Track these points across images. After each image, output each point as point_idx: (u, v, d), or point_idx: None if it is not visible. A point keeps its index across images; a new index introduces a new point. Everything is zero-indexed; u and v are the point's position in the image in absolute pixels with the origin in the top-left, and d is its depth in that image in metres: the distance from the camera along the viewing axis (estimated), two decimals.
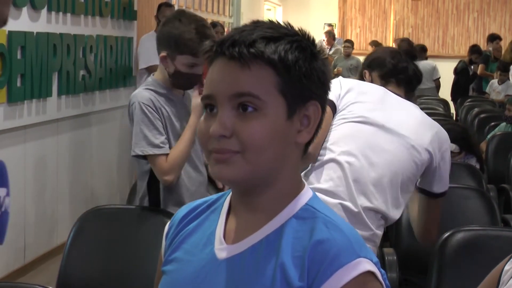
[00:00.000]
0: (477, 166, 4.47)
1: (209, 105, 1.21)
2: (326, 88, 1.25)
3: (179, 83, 2.88)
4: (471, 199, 3.49)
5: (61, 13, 5.20)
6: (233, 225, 1.26)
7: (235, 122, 1.18)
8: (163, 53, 2.88)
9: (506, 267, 1.38)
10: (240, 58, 1.18)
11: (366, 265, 1.16)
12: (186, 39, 2.79)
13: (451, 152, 4.45)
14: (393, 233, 3.44)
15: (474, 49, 11.19)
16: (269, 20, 1.27)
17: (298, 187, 1.26)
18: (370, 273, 1.16)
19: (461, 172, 4.24)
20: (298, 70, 1.20)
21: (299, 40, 1.22)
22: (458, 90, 10.80)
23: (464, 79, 10.88)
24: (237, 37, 1.20)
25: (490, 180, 5.00)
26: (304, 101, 1.22)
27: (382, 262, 3.18)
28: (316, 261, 1.15)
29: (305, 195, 1.25)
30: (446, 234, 2.65)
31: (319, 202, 1.27)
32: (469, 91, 10.90)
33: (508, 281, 1.35)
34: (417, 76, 2.71)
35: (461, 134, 4.55)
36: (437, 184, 2.59)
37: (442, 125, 4.74)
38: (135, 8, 6.70)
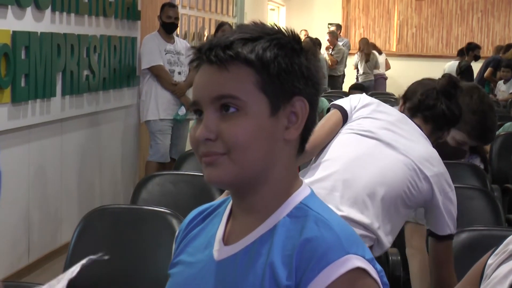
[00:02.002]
0: (481, 166, 4.46)
1: (197, 111, 1.23)
2: (313, 84, 1.24)
3: (441, 150, 2.72)
4: (475, 199, 3.48)
5: (65, 13, 5.20)
6: (232, 227, 1.27)
7: (219, 124, 1.19)
8: None
9: (490, 261, 1.38)
10: (217, 61, 1.19)
11: (355, 261, 1.14)
12: (468, 119, 2.76)
13: None
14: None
15: (472, 46, 11.17)
16: (253, 22, 1.27)
17: (293, 186, 1.25)
18: (361, 269, 1.14)
19: (465, 172, 4.23)
20: (277, 66, 1.19)
21: (279, 38, 1.22)
22: None
23: (468, 79, 10.86)
24: (214, 41, 1.21)
25: (494, 180, 4.99)
26: (288, 97, 1.21)
27: (386, 262, 3.18)
28: (303, 259, 1.15)
29: (301, 194, 1.25)
30: None
31: (315, 200, 1.25)
32: None
33: (491, 274, 1.34)
34: (446, 115, 2.54)
35: None
36: (441, 225, 2.45)
37: None
38: (139, 8, 6.71)
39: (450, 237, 2.47)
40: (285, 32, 1.24)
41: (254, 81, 1.19)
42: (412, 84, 2.70)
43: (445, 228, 2.45)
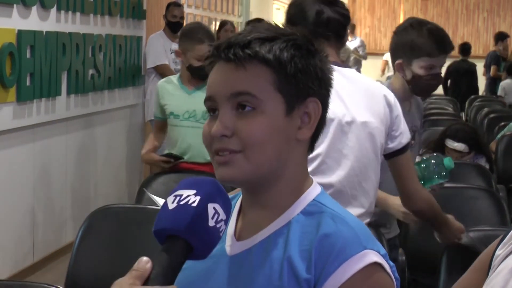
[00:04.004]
0: (487, 166, 4.46)
1: (212, 107, 1.24)
2: (325, 85, 1.27)
3: (419, 87, 2.88)
4: (481, 199, 3.47)
5: (70, 12, 5.21)
6: (243, 223, 1.29)
7: (235, 121, 1.21)
8: (399, 61, 2.88)
9: (498, 252, 1.35)
10: (235, 59, 1.21)
11: (372, 256, 1.17)
12: (420, 42, 2.82)
13: (461, 152, 4.44)
14: (402, 233, 3.42)
15: (466, 47, 11.19)
16: (268, 22, 1.30)
17: (305, 183, 1.28)
18: (377, 264, 1.18)
19: (471, 172, 4.22)
20: (294, 66, 1.22)
21: (295, 39, 1.25)
22: (466, 90, 10.78)
23: (470, 79, 10.87)
24: (232, 40, 1.23)
25: (500, 180, 4.97)
26: (302, 98, 1.24)
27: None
28: (323, 253, 1.17)
29: (313, 191, 1.27)
30: None
31: (327, 197, 1.28)
32: (477, 90, 10.88)
33: (499, 265, 1.32)
34: (338, 21, 2.39)
35: (470, 134, 4.53)
36: (404, 133, 2.43)
37: (451, 125, 4.73)
38: (144, 7, 6.71)
39: (409, 145, 2.46)
40: (298, 33, 1.27)
41: (271, 81, 1.21)
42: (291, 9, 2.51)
43: (407, 134, 2.43)
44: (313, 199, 1.26)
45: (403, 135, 2.42)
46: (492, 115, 7.43)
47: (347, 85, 2.37)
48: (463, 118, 9.29)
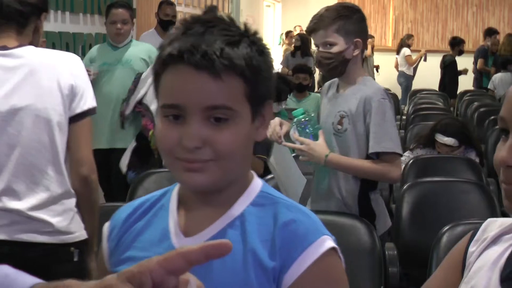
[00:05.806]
0: (477, 160, 4.48)
1: (175, 114, 1.19)
2: (272, 84, 1.28)
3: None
4: (471, 193, 3.50)
5: (59, 12, 5.21)
6: (187, 219, 1.27)
7: (207, 132, 1.18)
8: None
9: (471, 249, 1.34)
10: (211, 68, 1.15)
11: (330, 242, 1.22)
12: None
13: (451, 146, 4.47)
14: (393, 228, 3.44)
15: (457, 41, 11.22)
16: (213, 14, 1.27)
17: (249, 176, 1.30)
18: (333, 249, 1.23)
19: (461, 165, 4.24)
20: (261, 74, 1.22)
21: (255, 41, 1.22)
22: (447, 84, 10.82)
23: (453, 73, 10.91)
24: (202, 46, 1.16)
25: (490, 173, 5.00)
26: (263, 103, 1.25)
27: (383, 257, 3.19)
28: (286, 241, 1.21)
29: (257, 183, 1.29)
30: (446, 228, 2.65)
31: (271, 188, 1.31)
32: (458, 85, 10.92)
33: (474, 263, 1.32)
34: (15, 8, 2.28)
35: (460, 129, 4.56)
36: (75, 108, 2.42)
37: (441, 119, 4.75)
38: (134, 6, 6.71)
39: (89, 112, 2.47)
40: (245, 28, 1.23)
41: (243, 91, 1.20)
42: None
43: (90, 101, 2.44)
44: (260, 191, 1.27)
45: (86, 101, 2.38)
46: (482, 109, 7.46)
47: (4, 76, 2.28)
48: (454, 113, 9.33)
